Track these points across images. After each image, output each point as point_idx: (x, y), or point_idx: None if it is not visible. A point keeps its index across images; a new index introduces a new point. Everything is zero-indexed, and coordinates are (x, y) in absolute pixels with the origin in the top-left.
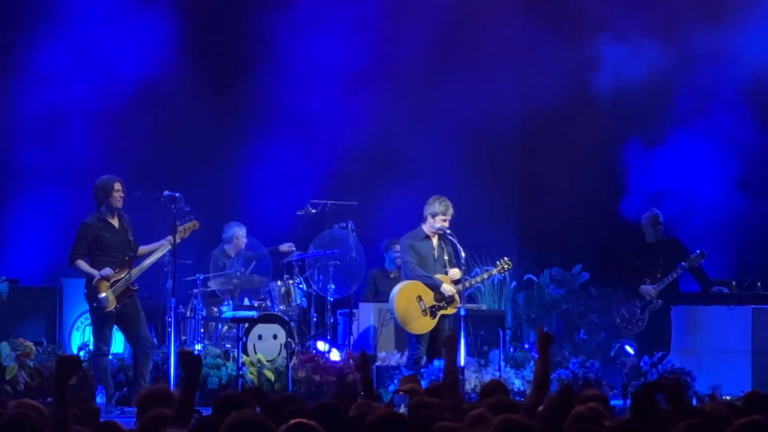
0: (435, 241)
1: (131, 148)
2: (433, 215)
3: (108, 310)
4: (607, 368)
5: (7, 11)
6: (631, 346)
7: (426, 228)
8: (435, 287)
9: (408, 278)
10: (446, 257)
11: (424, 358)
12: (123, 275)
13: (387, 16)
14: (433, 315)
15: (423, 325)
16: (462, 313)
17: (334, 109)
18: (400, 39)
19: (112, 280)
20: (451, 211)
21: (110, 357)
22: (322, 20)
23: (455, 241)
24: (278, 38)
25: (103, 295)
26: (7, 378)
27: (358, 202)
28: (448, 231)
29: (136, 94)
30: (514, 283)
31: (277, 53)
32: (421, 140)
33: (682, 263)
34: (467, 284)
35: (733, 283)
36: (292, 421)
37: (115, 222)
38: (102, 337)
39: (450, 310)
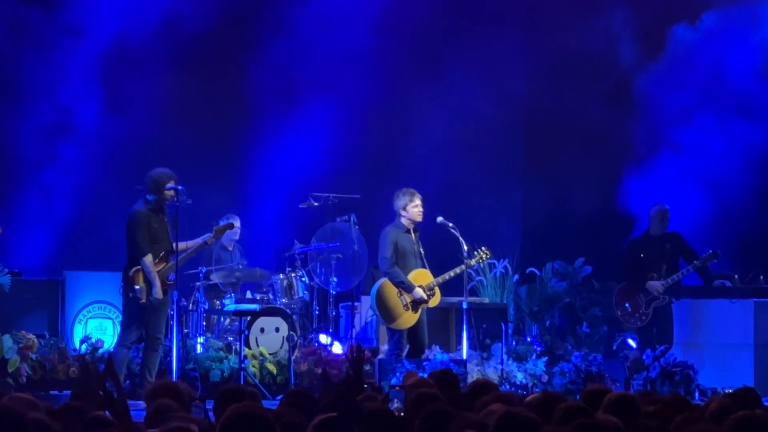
0: (413, 234)
1: (133, 141)
2: (405, 207)
3: (142, 301)
4: (610, 361)
5: None
6: (633, 339)
7: (404, 221)
8: (407, 291)
9: (384, 274)
10: (421, 251)
11: (407, 348)
12: (159, 268)
13: (387, 7)
14: (415, 309)
15: (407, 320)
16: (464, 306)
17: (336, 102)
18: (402, 28)
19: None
20: (418, 197)
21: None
22: (323, 11)
23: (458, 235)
24: (281, 27)
25: (139, 286)
26: (10, 371)
27: (361, 195)
28: (450, 225)
29: (136, 88)
30: (516, 277)
31: (280, 43)
32: (424, 133)
33: (695, 261)
34: (447, 276)
35: (736, 276)
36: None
37: (161, 214)
38: (132, 329)
39: (432, 303)
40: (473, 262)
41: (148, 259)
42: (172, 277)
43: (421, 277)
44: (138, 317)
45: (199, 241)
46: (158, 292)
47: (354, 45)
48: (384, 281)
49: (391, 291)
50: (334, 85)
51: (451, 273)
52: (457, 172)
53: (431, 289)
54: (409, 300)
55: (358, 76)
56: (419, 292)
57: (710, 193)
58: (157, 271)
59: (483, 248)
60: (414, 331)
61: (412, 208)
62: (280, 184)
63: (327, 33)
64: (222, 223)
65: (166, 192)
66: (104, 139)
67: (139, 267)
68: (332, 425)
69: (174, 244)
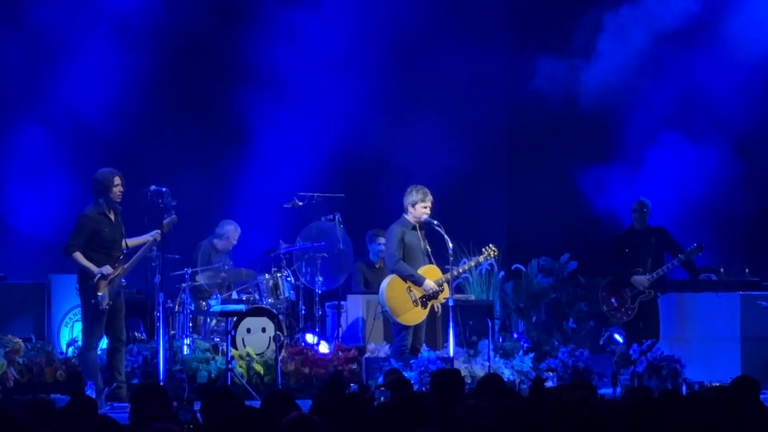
0: (419, 231)
1: (117, 142)
2: (413, 204)
3: (102, 308)
4: (597, 357)
5: None
6: (620, 334)
7: (410, 218)
8: (418, 284)
9: (392, 271)
10: (428, 248)
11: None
12: (117, 272)
13: (374, 6)
14: (424, 305)
15: (415, 315)
16: (450, 303)
17: (319, 100)
18: (387, 27)
19: (109, 278)
20: (430, 197)
21: (98, 352)
22: (309, 13)
23: (443, 232)
24: (264, 34)
25: (102, 293)
26: None
27: (345, 194)
28: (435, 222)
29: (122, 93)
30: (502, 273)
31: (265, 46)
32: (407, 131)
33: (680, 255)
34: (456, 273)
35: (721, 269)
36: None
37: (112, 216)
38: (94, 333)
39: (439, 299)
40: (482, 258)
41: (78, 255)
42: (124, 280)
43: (430, 273)
44: (99, 321)
45: (148, 238)
46: (105, 298)
47: (340, 44)
48: (392, 277)
49: (400, 286)
50: (319, 84)
51: (460, 269)
52: (442, 168)
53: (440, 284)
54: (418, 295)
55: (342, 76)
56: (430, 284)
57: (695, 185)
58: (116, 276)
59: (491, 245)
60: (415, 328)
61: (422, 208)
62: (264, 183)
63: (315, 32)
64: (166, 221)
65: (114, 188)
66: (89, 142)
67: (101, 275)
68: None
69: (122, 246)
